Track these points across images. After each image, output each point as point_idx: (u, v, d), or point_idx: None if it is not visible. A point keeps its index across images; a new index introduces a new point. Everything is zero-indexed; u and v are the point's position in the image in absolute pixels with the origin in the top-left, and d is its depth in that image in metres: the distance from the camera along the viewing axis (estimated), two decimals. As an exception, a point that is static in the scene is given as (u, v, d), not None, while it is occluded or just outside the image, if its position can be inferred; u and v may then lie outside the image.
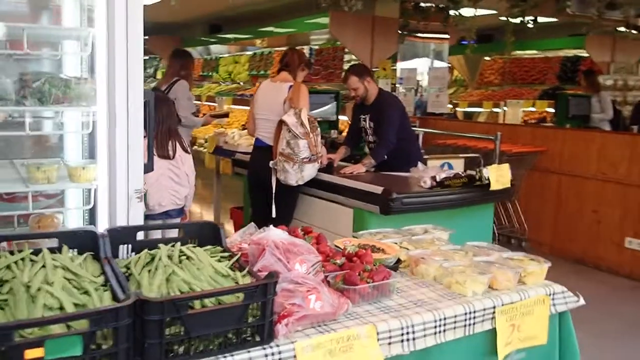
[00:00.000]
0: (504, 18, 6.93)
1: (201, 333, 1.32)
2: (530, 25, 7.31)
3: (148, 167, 2.10)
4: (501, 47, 8.40)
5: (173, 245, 1.60)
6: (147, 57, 13.65)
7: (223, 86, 10.84)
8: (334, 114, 6.12)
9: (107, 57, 1.89)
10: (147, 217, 3.94)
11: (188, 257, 1.53)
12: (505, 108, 9.84)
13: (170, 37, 11.53)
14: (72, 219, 2.61)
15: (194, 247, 1.61)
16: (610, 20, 6.88)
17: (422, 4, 7.22)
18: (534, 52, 10.36)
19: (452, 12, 6.73)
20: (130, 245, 1.64)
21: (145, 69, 13.77)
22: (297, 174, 3.80)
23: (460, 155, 5.57)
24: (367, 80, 4.32)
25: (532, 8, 6.35)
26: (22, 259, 1.41)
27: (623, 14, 6.73)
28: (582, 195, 5.44)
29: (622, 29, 7.46)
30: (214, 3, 8.41)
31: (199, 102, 11.76)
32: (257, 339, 1.40)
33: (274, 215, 3.93)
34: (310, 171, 3.84)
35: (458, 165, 5.46)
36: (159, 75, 12.71)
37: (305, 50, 9.11)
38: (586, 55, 8.96)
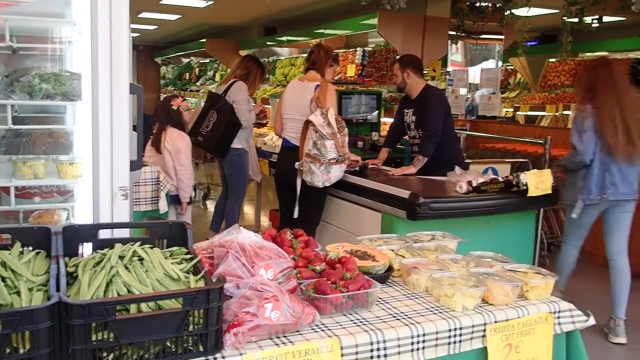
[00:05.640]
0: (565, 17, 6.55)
1: (133, 340, 1.23)
2: (594, 25, 6.88)
3: (136, 165, 2.04)
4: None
5: (132, 245, 1.53)
6: (207, 60, 13.95)
7: (278, 88, 10.89)
8: (375, 116, 5.96)
9: (90, 50, 1.85)
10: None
11: (142, 258, 1.46)
12: (569, 112, 9.34)
13: (227, 41, 11.68)
14: (81, 216, 2.61)
15: (152, 247, 1.53)
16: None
17: (478, 4, 6.94)
18: (602, 53, 9.79)
19: (506, 12, 6.41)
20: (91, 244, 1.58)
21: (205, 71, 14.11)
22: (323, 176, 3.69)
23: (507, 160, 5.28)
24: (408, 72, 4.19)
25: (592, 6, 5.93)
26: (-31, 255, 1.38)
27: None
28: (638, 205, 5.02)
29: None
30: (269, 6, 8.47)
31: (253, 105, 11.87)
32: (200, 348, 1.31)
33: (295, 215, 3.85)
34: (337, 172, 3.72)
35: (504, 170, 5.18)
36: (217, 78, 12.93)
37: (358, 52, 9.01)
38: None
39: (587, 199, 3.81)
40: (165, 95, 5.38)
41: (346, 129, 3.76)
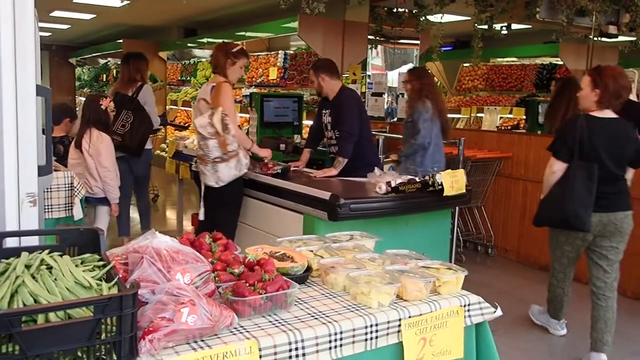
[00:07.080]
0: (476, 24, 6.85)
1: (41, 352, 1.18)
2: (503, 32, 7.24)
3: (45, 170, 1.96)
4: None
5: (40, 253, 1.47)
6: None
7: (200, 91, 10.70)
8: (296, 119, 6.01)
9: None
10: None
11: (50, 267, 1.40)
12: (482, 114, 9.78)
13: (145, 42, 11.39)
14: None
15: (61, 255, 1.48)
16: (582, 27, 6.80)
17: (395, 10, 7.14)
18: (512, 59, 10.33)
19: (422, 18, 6.63)
20: (-5, 253, 1.51)
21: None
22: (213, 175, 3.78)
23: (425, 161, 5.46)
24: (322, 76, 4.33)
25: (500, 14, 6.26)
26: None
27: (596, 22, 6.66)
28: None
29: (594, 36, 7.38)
30: (189, 7, 8.35)
31: (175, 107, 11.64)
32: (114, 357, 1.27)
33: (201, 217, 3.92)
34: (226, 171, 3.76)
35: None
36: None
37: (280, 55, 9.02)
38: (562, 62, 8.93)
39: (423, 171, 4.51)
40: (90, 94, 5.36)
41: (232, 127, 3.73)
